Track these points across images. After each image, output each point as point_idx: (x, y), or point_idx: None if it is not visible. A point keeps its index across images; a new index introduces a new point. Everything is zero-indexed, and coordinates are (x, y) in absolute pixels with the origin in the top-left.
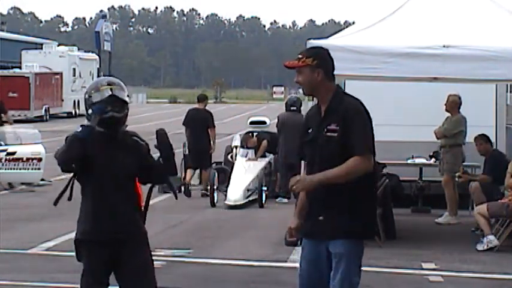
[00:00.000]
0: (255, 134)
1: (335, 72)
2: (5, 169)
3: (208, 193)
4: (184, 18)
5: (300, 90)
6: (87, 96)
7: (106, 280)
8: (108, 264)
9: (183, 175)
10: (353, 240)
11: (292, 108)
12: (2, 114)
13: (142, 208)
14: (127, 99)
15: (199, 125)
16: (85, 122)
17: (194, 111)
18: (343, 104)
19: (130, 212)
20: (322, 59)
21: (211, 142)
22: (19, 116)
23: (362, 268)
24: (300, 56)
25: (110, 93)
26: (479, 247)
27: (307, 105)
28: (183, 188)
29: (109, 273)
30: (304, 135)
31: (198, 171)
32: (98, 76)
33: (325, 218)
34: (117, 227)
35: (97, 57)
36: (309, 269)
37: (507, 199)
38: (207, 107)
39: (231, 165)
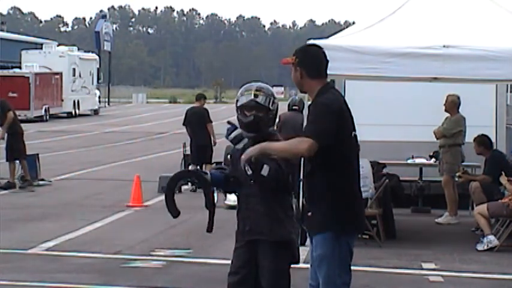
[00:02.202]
0: None
1: (336, 73)
2: None
3: (191, 187)
4: (184, 18)
5: None
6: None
7: None
8: None
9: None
10: (329, 236)
11: (294, 108)
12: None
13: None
14: (268, 105)
15: (197, 122)
16: None
17: (191, 109)
18: (316, 99)
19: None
20: (303, 57)
21: (212, 136)
22: (19, 116)
23: (362, 268)
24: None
25: (251, 97)
26: (479, 247)
27: (307, 105)
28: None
29: None
30: None
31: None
32: (98, 76)
33: (313, 212)
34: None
35: (97, 57)
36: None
37: (507, 199)
38: (204, 106)
39: None
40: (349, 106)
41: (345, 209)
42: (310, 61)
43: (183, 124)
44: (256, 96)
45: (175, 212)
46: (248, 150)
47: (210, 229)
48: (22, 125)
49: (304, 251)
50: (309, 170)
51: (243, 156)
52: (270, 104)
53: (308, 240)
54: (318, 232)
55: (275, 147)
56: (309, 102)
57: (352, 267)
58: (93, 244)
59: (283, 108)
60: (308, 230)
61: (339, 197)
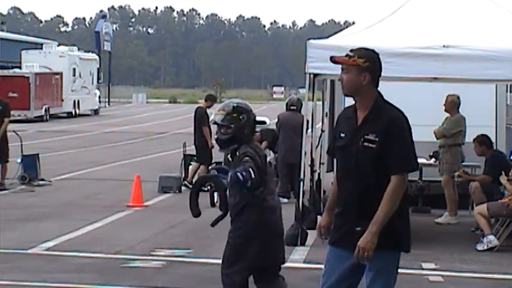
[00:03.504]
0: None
1: (336, 73)
2: None
3: (206, 189)
4: (184, 18)
5: (300, 91)
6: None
7: None
8: None
9: (183, 175)
10: (388, 252)
11: (292, 107)
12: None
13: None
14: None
15: (196, 122)
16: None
17: (196, 109)
18: (386, 115)
19: None
20: (373, 63)
21: (206, 139)
22: (19, 116)
23: None
24: (350, 54)
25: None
26: (479, 247)
27: (307, 105)
28: (183, 188)
29: None
30: (335, 138)
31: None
32: (98, 76)
33: (363, 229)
34: None
35: (97, 57)
36: (330, 276)
37: (507, 199)
38: (208, 108)
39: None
40: None
41: (401, 225)
42: (379, 69)
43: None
44: (216, 115)
45: (196, 212)
46: (369, 246)
47: (213, 224)
48: (22, 125)
49: (304, 251)
50: (363, 185)
51: (366, 255)
52: (229, 121)
53: (308, 240)
54: (376, 248)
55: (382, 219)
56: (310, 103)
57: None
58: (93, 244)
59: (281, 108)
60: (351, 244)
61: (397, 213)
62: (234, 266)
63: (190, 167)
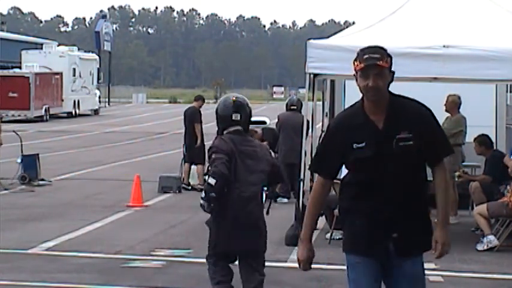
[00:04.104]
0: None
1: (336, 73)
2: None
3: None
4: (184, 18)
5: (300, 91)
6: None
7: None
8: None
9: (183, 175)
10: (423, 254)
11: (292, 107)
12: None
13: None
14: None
15: (187, 121)
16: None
17: (187, 110)
18: (408, 108)
19: None
20: (391, 62)
21: (198, 136)
22: (19, 116)
23: None
24: (377, 56)
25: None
26: (479, 247)
27: (307, 105)
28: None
29: None
30: (350, 152)
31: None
32: (98, 76)
33: (400, 235)
34: None
35: (97, 57)
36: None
37: (506, 197)
38: (201, 107)
39: None
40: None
41: (430, 225)
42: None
43: (184, 124)
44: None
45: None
46: (447, 244)
47: (268, 212)
48: (22, 125)
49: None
50: (402, 188)
51: (444, 244)
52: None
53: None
54: (422, 252)
55: (447, 213)
56: (310, 103)
57: None
58: (93, 244)
59: (281, 108)
60: (403, 250)
61: (427, 214)
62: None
63: (184, 169)
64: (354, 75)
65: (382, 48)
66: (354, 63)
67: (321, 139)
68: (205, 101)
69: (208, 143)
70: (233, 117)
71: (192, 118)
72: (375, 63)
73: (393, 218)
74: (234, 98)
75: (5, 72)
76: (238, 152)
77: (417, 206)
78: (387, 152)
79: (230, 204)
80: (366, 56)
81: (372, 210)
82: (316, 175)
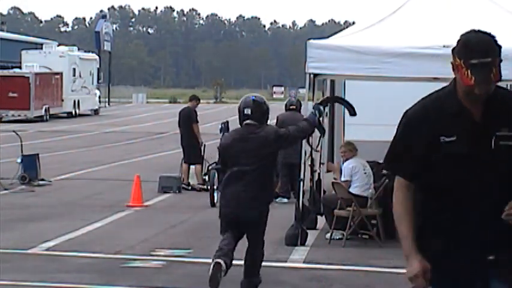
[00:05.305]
0: None
1: (336, 73)
2: None
3: (203, 187)
4: (184, 18)
5: (300, 91)
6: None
7: None
8: None
9: (183, 175)
10: None
11: (291, 107)
12: None
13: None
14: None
15: (184, 122)
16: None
17: (182, 110)
18: (507, 100)
19: None
20: None
21: (196, 136)
22: (19, 116)
23: (362, 268)
24: (494, 46)
25: None
26: None
27: (307, 105)
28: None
29: None
30: (436, 147)
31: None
32: (98, 76)
33: (498, 257)
34: None
35: (97, 57)
36: None
37: None
38: (196, 106)
39: None
40: None
41: None
42: None
43: (178, 124)
44: None
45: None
46: None
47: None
48: (22, 125)
49: (304, 251)
50: (498, 198)
51: None
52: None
53: (308, 240)
54: None
55: None
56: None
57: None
58: (93, 244)
59: (281, 108)
60: (505, 274)
61: None
62: None
63: (183, 169)
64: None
65: (483, 32)
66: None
67: (397, 132)
68: (206, 101)
69: (209, 143)
70: (245, 112)
71: (189, 118)
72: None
73: (488, 236)
74: (251, 97)
75: (5, 72)
76: (239, 141)
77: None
78: (484, 151)
79: (231, 179)
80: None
81: (459, 226)
82: (332, 175)
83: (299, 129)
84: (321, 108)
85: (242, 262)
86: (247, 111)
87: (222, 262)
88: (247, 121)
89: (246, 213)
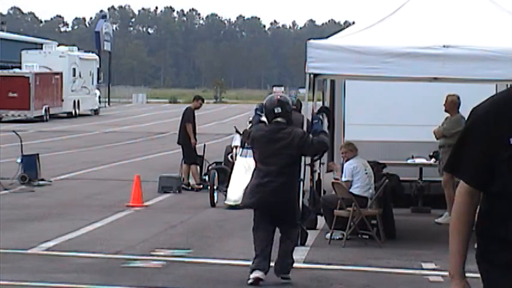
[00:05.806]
0: None
1: (336, 73)
2: None
3: (199, 187)
4: (184, 18)
5: (300, 91)
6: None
7: None
8: None
9: (183, 175)
10: None
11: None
12: None
13: None
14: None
15: (181, 121)
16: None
17: (186, 109)
18: None
19: None
20: None
21: (189, 136)
22: (19, 116)
23: (362, 268)
24: None
25: None
26: None
27: (307, 105)
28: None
29: None
30: (504, 149)
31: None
32: (98, 76)
33: None
34: None
35: (97, 57)
36: None
37: None
38: (196, 106)
39: (231, 165)
40: (349, 106)
41: None
42: None
43: None
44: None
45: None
46: None
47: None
48: (22, 125)
49: (304, 251)
50: None
51: None
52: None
53: (308, 240)
54: None
55: None
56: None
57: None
58: (93, 244)
59: None
60: None
61: None
62: None
63: (183, 169)
64: None
65: None
66: None
67: (461, 134)
68: (206, 101)
69: (209, 143)
70: (275, 111)
71: (185, 118)
72: None
73: None
74: (277, 97)
75: (5, 72)
76: (268, 136)
77: None
78: None
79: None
80: None
81: None
82: (332, 175)
83: (320, 142)
84: (321, 117)
85: (242, 262)
86: (278, 110)
87: (261, 276)
88: (278, 119)
89: (276, 198)
